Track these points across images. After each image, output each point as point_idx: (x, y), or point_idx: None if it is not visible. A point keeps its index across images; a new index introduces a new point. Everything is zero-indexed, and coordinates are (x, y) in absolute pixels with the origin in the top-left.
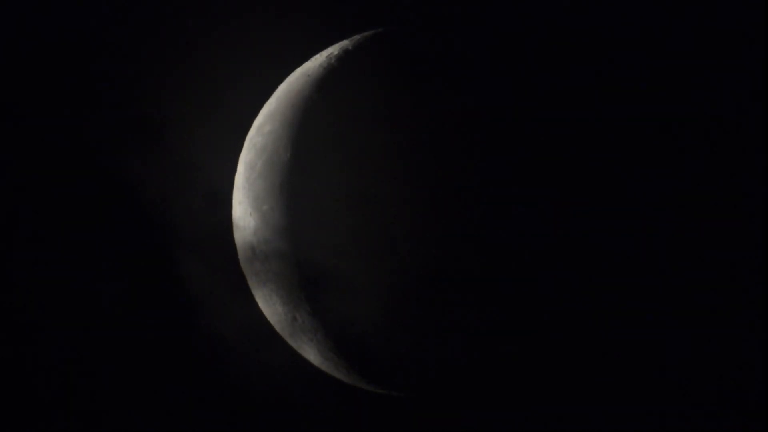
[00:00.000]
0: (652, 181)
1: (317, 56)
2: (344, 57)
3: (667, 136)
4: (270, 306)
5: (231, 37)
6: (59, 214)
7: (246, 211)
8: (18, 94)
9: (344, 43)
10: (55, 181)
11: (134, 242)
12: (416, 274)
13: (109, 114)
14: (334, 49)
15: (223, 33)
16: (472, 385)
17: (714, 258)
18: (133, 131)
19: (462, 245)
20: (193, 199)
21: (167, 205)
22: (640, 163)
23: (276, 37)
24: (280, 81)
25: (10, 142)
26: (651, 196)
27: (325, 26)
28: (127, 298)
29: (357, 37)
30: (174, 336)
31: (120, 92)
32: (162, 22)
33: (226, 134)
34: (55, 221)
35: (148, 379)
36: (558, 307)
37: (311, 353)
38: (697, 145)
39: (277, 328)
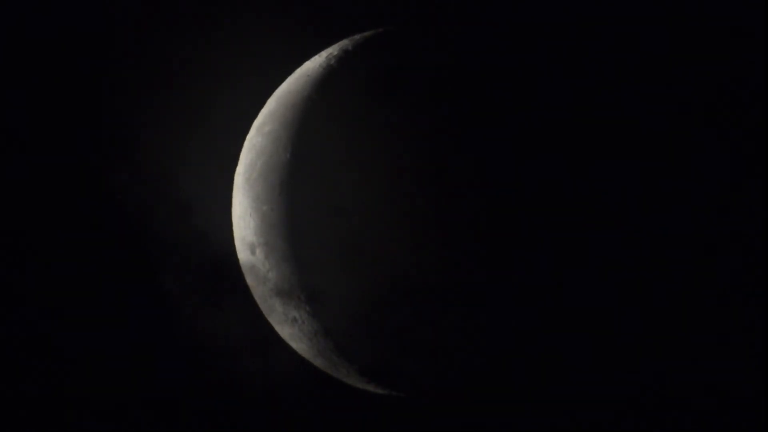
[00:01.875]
0: (653, 183)
1: (317, 56)
2: (344, 57)
3: (667, 136)
4: (269, 306)
5: (230, 37)
6: (46, 219)
7: (246, 211)
8: None
9: (344, 43)
10: (51, 188)
11: (125, 247)
12: (417, 276)
13: (104, 116)
14: (334, 49)
15: (223, 33)
16: (468, 387)
17: (714, 258)
18: (130, 133)
19: (464, 250)
20: (194, 200)
21: (168, 206)
22: (639, 164)
23: (276, 37)
24: (280, 81)
25: None
26: (652, 199)
27: (325, 26)
28: (121, 302)
29: (357, 37)
30: (172, 339)
31: (117, 94)
32: (161, 22)
33: (225, 135)
34: (40, 227)
35: (148, 383)
36: (543, 312)
37: (311, 353)
38: (698, 146)
39: (276, 328)
